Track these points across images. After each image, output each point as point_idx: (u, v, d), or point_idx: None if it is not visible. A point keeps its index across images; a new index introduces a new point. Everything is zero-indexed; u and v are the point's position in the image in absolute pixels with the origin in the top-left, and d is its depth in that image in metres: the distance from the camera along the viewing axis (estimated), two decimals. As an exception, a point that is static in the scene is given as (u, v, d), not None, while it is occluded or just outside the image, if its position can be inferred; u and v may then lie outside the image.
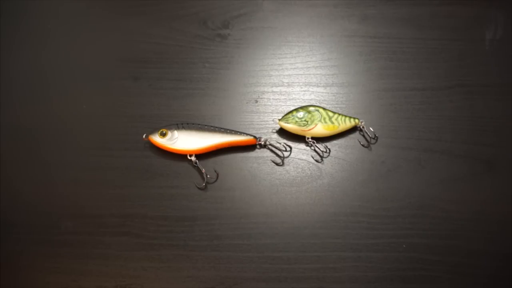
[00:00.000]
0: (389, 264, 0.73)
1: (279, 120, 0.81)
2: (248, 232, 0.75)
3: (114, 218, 0.75)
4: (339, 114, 0.82)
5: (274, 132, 0.84)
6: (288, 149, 0.81)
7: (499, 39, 0.93)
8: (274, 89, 0.88)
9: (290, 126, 0.81)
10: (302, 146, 0.83)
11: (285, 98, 0.87)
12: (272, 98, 0.87)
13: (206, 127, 0.80)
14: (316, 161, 0.81)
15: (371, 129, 0.83)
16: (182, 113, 0.85)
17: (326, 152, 0.82)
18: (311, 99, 0.87)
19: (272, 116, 0.85)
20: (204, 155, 0.80)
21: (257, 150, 0.82)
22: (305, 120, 0.81)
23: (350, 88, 0.88)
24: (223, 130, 0.80)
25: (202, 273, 0.72)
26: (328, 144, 0.83)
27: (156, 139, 0.78)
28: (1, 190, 0.78)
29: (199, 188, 0.78)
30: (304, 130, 0.81)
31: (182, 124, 0.80)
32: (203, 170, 0.78)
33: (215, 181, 0.79)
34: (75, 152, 0.81)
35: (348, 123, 0.82)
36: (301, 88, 0.88)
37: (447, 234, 0.75)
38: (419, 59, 0.91)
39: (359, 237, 0.75)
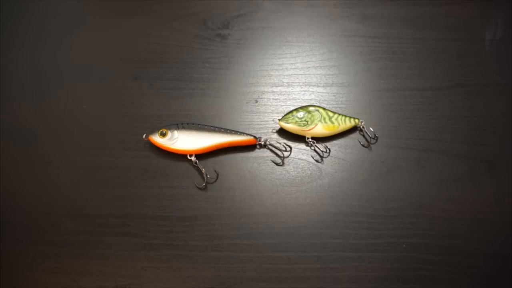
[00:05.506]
0: (389, 264, 0.73)
1: (279, 120, 0.81)
2: (248, 232, 0.75)
3: (114, 218, 0.75)
4: (339, 114, 0.82)
5: (274, 132, 0.84)
6: (288, 149, 0.81)
7: (499, 39, 0.93)
8: (274, 89, 0.88)
9: (290, 126, 0.81)
10: (302, 146, 0.83)
11: (285, 98, 0.87)
12: (272, 98, 0.87)
13: (206, 127, 0.80)
14: (316, 161, 0.81)
15: (371, 129, 0.83)
16: (182, 113, 0.85)
17: (326, 152, 0.82)
18: (311, 99, 0.87)
19: (272, 116, 0.85)
20: (204, 155, 0.80)
21: (257, 150, 0.82)
22: (305, 120, 0.80)
23: (350, 88, 0.88)
24: (223, 130, 0.80)
25: (202, 273, 0.72)
26: (328, 144, 0.83)
27: (156, 139, 0.78)
28: (1, 190, 0.78)
29: (199, 188, 0.78)
30: (304, 130, 0.81)
31: (182, 124, 0.80)
32: (203, 170, 0.78)
33: (215, 181, 0.79)
34: (75, 152, 0.81)
35: (348, 123, 0.82)
36: (301, 88, 0.88)
37: (447, 234, 0.75)
38: (419, 59, 0.91)
39: (359, 237, 0.75)
